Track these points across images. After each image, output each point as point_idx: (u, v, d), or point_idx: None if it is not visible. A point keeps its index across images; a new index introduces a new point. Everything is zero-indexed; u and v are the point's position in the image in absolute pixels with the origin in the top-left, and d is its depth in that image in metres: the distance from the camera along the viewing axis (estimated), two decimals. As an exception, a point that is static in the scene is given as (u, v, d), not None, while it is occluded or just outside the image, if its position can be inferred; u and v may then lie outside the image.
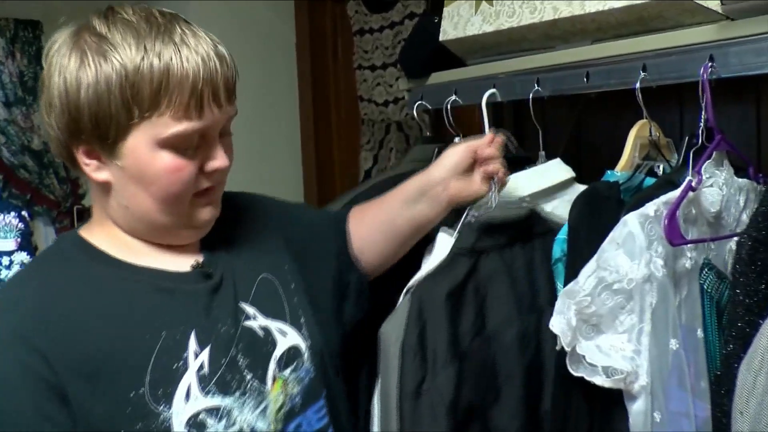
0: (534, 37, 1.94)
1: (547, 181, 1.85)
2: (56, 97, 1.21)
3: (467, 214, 1.59)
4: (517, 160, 1.94)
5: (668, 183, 1.46)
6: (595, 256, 1.33)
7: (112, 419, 1.15)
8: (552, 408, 1.51)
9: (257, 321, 1.33)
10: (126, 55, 1.14)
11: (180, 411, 1.18)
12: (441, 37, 2.12)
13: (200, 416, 1.20)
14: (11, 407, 1.12)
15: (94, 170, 1.26)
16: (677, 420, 1.34)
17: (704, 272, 1.41)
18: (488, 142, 1.60)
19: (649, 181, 1.60)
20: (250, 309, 1.34)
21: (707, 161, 1.46)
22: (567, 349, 1.31)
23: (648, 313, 1.31)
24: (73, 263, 1.27)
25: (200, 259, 1.37)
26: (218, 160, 1.27)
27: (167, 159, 1.21)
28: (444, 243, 1.61)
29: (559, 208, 1.86)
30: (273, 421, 1.28)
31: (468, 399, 1.47)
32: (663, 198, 1.38)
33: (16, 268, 4.43)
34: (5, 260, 4.47)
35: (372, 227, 1.64)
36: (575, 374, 1.34)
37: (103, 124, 1.18)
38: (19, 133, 4.59)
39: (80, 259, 1.27)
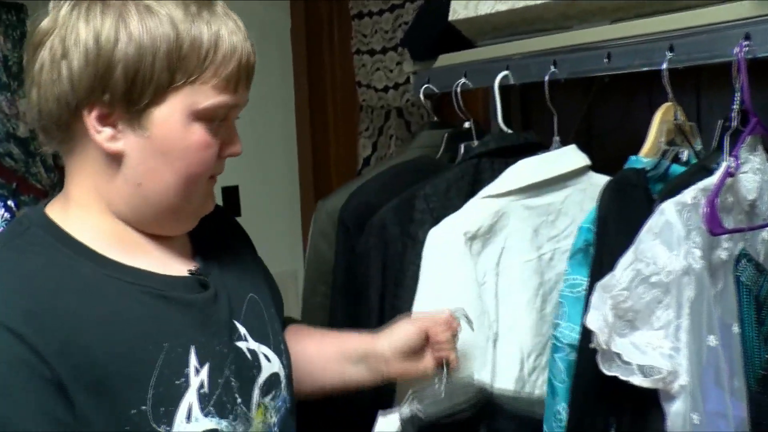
0: (550, 16, 1.85)
1: (559, 168, 1.76)
2: (78, 52, 1.05)
3: (410, 402, 1.37)
4: (529, 146, 1.86)
5: (703, 169, 1.37)
6: (633, 247, 1.24)
7: None
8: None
9: (247, 343, 1.24)
10: (176, 16, 1.05)
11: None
12: (450, 17, 2.02)
13: None
14: (14, 411, 0.95)
15: (107, 139, 1.09)
16: (715, 421, 1.26)
17: (741, 264, 1.33)
18: (443, 324, 1.42)
19: (676, 168, 1.52)
20: (242, 329, 1.25)
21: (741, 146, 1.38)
22: (604, 347, 1.22)
23: (686, 307, 1.22)
24: (51, 255, 1.08)
25: (197, 265, 1.26)
26: (237, 146, 1.20)
27: (199, 133, 1.12)
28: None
29: (572, 197, 1.78)
30: None
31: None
32: (700, 185, 1.29)
33: (1, 260, 4.30)
34: (-10, 252, 4.35)
35: (300, 356, 1.43)
36: (608, 373, 1.26)
37: (139, 84, 1.05)
38: (4, 120, 4.42)
39: (60, 251, 1.09)
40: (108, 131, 1.10)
